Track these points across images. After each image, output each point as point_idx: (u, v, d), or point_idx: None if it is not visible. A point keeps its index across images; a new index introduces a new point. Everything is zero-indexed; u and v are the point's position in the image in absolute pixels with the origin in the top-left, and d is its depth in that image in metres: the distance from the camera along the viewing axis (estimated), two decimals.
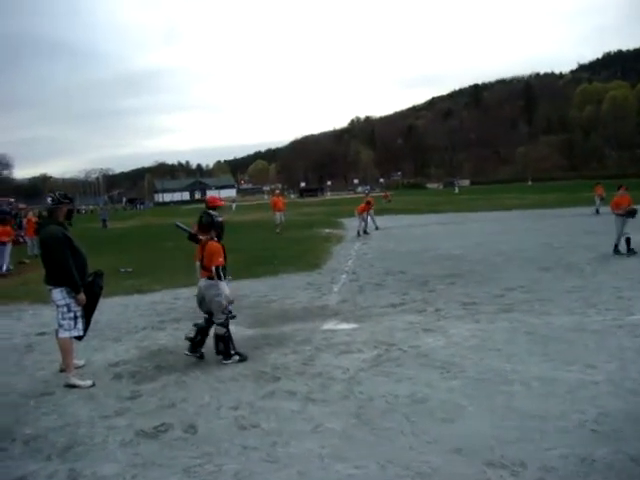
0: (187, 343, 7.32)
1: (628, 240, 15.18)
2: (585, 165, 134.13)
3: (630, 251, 15.05)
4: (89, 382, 6.55)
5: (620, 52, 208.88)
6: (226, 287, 7.16)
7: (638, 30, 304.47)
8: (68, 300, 6.60)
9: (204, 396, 6.01)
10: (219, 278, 7.03)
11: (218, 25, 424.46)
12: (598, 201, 30.42)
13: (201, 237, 8.48)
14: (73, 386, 6.48)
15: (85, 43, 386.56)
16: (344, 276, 13.77)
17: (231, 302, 7.25)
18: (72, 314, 6.63)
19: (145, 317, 10.11)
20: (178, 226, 9.13)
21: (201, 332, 7.26)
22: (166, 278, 14.30)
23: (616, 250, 15.17)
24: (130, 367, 7.19)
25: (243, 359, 7.16)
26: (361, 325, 8.78)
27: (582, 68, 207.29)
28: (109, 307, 10.36)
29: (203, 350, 7.33)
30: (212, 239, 7.36)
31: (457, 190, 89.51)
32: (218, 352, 7.16)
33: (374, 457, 4.41)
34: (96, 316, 7.31)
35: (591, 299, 9.69)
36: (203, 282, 7.23)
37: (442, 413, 5.22)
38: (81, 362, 7.23)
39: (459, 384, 5.97)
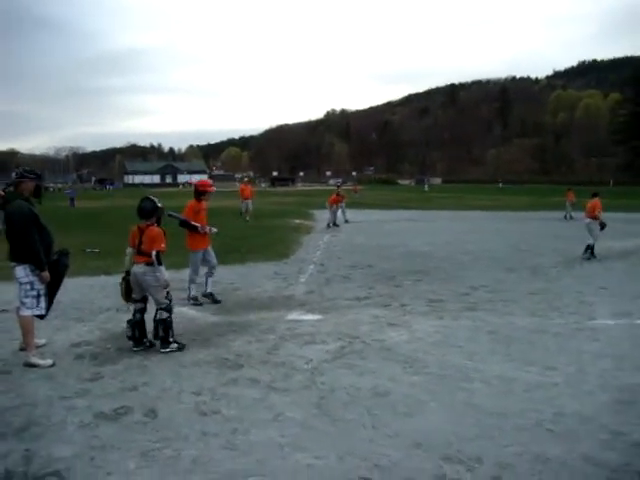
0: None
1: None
2: (556, 170, 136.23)
3: (592, 255, 15.44)
4: (49, 362, 6.46)
5: (595, 61, 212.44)
6: (164, 272, 7.03)
7: (613, 41, 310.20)
8: (32, 278, 6.49)
9: (166, 380, 5.98)
10: (159, 263, 6.90)
11: (203, 11, 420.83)
12: (569, 207, 30.80)
13: (194, 223, 8.67)
14: (33, 365, 6.37)
15: (69, 19, 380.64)
16: (311, 267, 13.78)
17: (167, 286, 7.14)
18: (35, 292, 6.52)
19: (110, 299, 9.97)
20: (171, 215, 9.09)
21: (137, 325, 7.09)
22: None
23: (592, 254, 15.45)
24: (92, 348, 7.10)
25: (181, 348, 7.05)
26: (326, 317, 8.80)
27: (557, 75, 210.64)
28: (73, 287, 10.20)
29: (151, 338, 7.19)
30: (152, 224, 7.18)
31: (427, 188, 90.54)
32: (156, 337, 7.04)
33: (334, 448, 4.44)
34: (59, 296, 7.20)
35: (554, 302, 9.84)
36: (140, 268, 7.01)
37: (403, 407, 5.26)
38: (42, 341, 7.12)
39: (421, 379, 6.03)
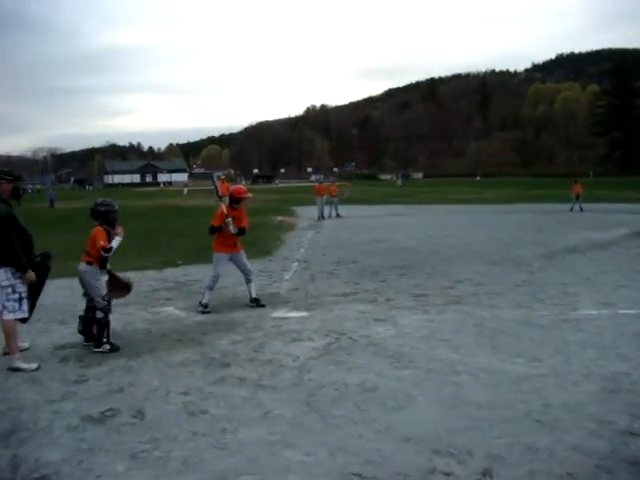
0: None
1: None
2: (536, 162, 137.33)
3: None
4: (34, 365, 6.38)
5: (573, 54, 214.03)
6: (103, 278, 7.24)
7: (590, 34, 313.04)
8: (13, 281, 6.39)
9: (153, 381, 5.93)
10: (102, 266, 7.26)
11: (180, 8, 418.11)
12: (574, 198, 30.84)
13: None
14: (17, 369, 6.29)
15: (45, 17, 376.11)
16: (296, 264, 13.75)
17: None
18: (17, 295, 6.42)
19: None
20: (213, 180, 9.77)
21: (87, 322, 7.18)
22: (115, 261, 14.02)
23: None
24: (76, 351, 7.04)
25: (114, 349, 7.00)
26: (312, 313, 8.79)
27: (536, 68, 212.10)
28: (56, 289, 10.11)
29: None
30: (99, 225, 7.32)
31: (400, 183, 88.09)
32: (92, 336, 7.08)
33: (324, 445, 4.43)
34: (41, 298, 7.10)
35: (538, 294, 9.90)
36: (83, 266, 7.22)
37: (392, 402, 5.27)
38: (26, 344, 7.04)
39: (409, 373, 6.04)
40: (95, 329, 7.03)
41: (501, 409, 5.03)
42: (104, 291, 7.17)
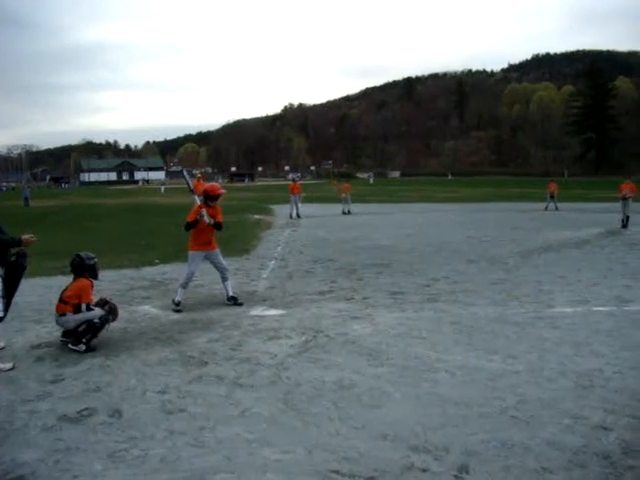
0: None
1: (627, 218, 21.09)
2: (512, 162, 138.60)
3: (625, 227, 20.83)
4: (9, 365, 6.31)
5: (548, 55, 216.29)
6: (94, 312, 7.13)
7: (566, 35, 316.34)
8: None
9: (130, 380, 5.90)
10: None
11: (157, 6, 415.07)
12: (549, 198, 31.08)
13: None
14: None
15: (19, 12, 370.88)
16: (273, 262, 13.76)
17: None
18: None
19: None
20: (184, 175, 9.38)
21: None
22: None
23: (624, 225, 21.02)
24: (53, 350, 6.97)
25: (89, 350, 6.89)
26: (289, 311, 8.80)
27: (512, 68, 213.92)
28: (31, 288, 10.00)
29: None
30: (84, 277, 7.31)
31: (371, 181, 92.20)
32: (77, 333, 6.96)
33: (301, 442, 4.45)
34: (16, 297, 7.03)
35: (513, 292, 10.01)
36: (61, 319, 7.11)
37: (369, 399, 5.30)
38: (1, 344, 6.97)
39: (385, 371, 6.07)
40: (83, 327, 6.93)
41: (477, 406, 5.09)
42: (98, 312, 7.10)
